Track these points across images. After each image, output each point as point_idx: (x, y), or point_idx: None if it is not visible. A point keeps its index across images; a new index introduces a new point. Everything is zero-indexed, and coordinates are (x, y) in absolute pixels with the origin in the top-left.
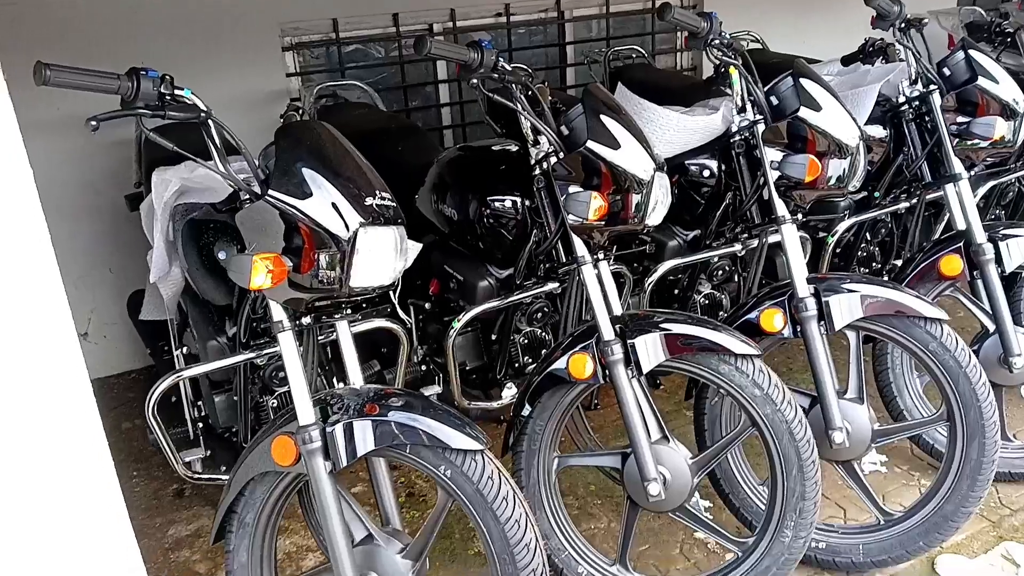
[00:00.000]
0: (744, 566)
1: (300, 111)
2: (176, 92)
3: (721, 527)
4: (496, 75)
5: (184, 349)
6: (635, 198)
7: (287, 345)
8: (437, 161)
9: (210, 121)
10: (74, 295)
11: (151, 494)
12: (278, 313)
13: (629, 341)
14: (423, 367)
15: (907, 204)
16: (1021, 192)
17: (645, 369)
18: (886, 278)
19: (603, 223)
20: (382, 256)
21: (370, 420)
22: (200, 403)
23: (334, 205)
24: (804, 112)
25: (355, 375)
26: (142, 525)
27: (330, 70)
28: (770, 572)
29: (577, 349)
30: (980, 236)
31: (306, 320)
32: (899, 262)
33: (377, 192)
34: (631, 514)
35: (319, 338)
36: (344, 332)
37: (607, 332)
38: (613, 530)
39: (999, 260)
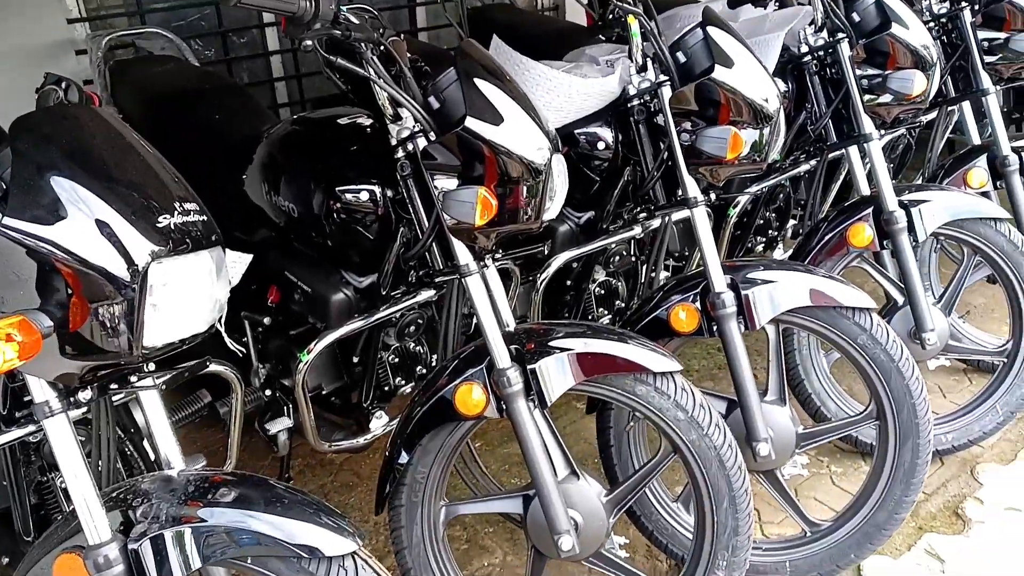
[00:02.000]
0: None
1: (65, 85)
2: None
3: (637, 570)
4: (338, 31)
5: None
6: (529, 189)
7: (58, 435)
8: (267, 138)
9: None
10: None
11: None
12: (41, 393)
13: (529, 367)
14: (267, 391)
15: (808, 167)
16: (910, 144)
17: (550, 400)
18: (781, 248)
19: (490, 225)
20: (190, 295)
21: (190, 528)
22: None
23: (106, 229)
24: (719, 71)
25: (170, 454)
26: None
27: (126, 14)
28: None
29: (463, 379)
30: (892, 203)
31: (85, 395)
32: (794, 226)
33: (178, 203)
34: (536, 566)
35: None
36: (151, 402)
37: (502, 358)
38: (511, 565)
39: (912, 228)
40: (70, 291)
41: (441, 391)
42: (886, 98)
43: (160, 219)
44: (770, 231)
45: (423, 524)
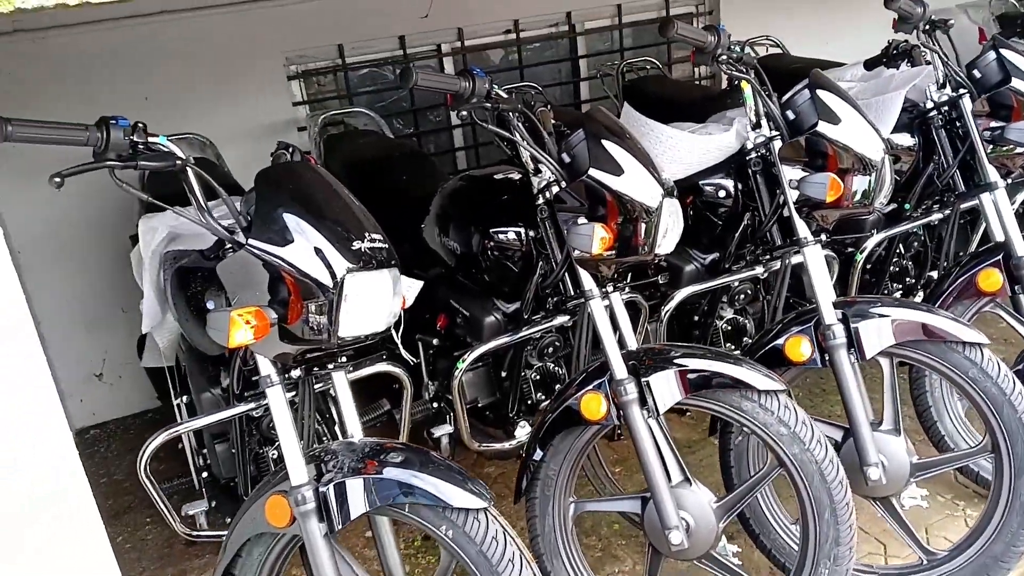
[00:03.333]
0: None
1: (291, 149)
2: (150, 140)
3: (750, 575)
4: (489, 104)
5: (184, 398)
6: (643, 226)
7: (276, 401)
8: (440, 191)
9: (188, 169)
10: (87, 336)
11: (163, 542)
12: (265, 368)
13: (643, 379)
14: (434, 404)
15: (940, 215)
16: None
17: (662, 409)
18: (921, 295)
19: (610, 254)
20: (373, 302)
21: (365, 478)
22: (204, 452)
23: (318, 251)
24: (823, 126)
25: (354, 428)
26: (153, 575)
27: (338, 96)
28: None
29: (590, 388)
30: (1020, 248)
31: (296, 373)
32: (934, 273)
33: (367, 234)
34: (654, 562)
35: (316, 387)
36: (341, 382)
37: (619, 370)
38: (639, 572)
39: None
40: (290, 294)
41: (569, 399)
42: (1011, 148)
43: (354, 244)
44: (908, 279)
45: (554, 516)
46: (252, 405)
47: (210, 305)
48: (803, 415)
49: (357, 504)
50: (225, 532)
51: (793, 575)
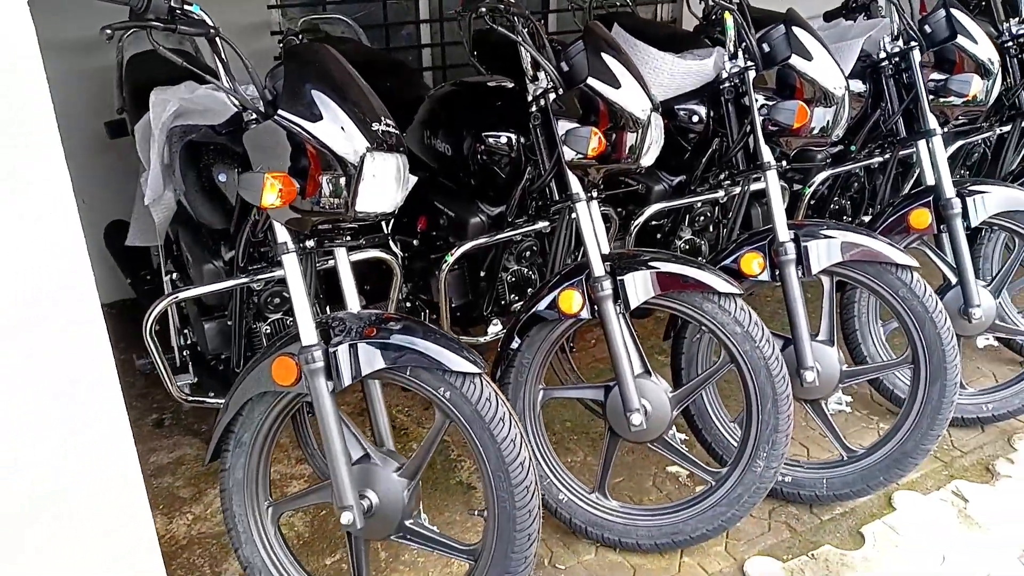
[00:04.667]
0: (717, 494)
1: (300, 36)
2: (186, 7)
3: (696, 458)
4: (502, 5)
5: (172, 275)
6: (631, 137)
7: (291, 267)
8: (430, 96)
9: (218, 39)
10: None
11: (131, 424)
12: (283, 235)
13: (619, 278)
14: (408, 303)
15: (881, 159)
16: (986, 153)
17: (633, 305)
18: None
19: (598, 161)
20: (386, 182)
21: (372, 342)
22: (187, 330)
23: (342, 128)
24: (795, 60)
25: (353, 301)
26: None
27: (311, 3)
28: (741, 500)
29: (567, 285)
30: (949, 191)
31: (309, 244)
32: (867, 218)
33: (381, 118)
34: (611, 444)
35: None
36: (343, 258)
37: (598, 268)
38: (589, 463)
39: (965, 215)
40: (311, 166)
41: (549, 294)
42: (951, 99)
43: (372, 126)
44: (846, 217)
45: (525, 400)
46: (254, 277)
47: (221, 178)
48: (755, 317)
49: (365, 365)
50: (213, 401)
51: (735, 457)
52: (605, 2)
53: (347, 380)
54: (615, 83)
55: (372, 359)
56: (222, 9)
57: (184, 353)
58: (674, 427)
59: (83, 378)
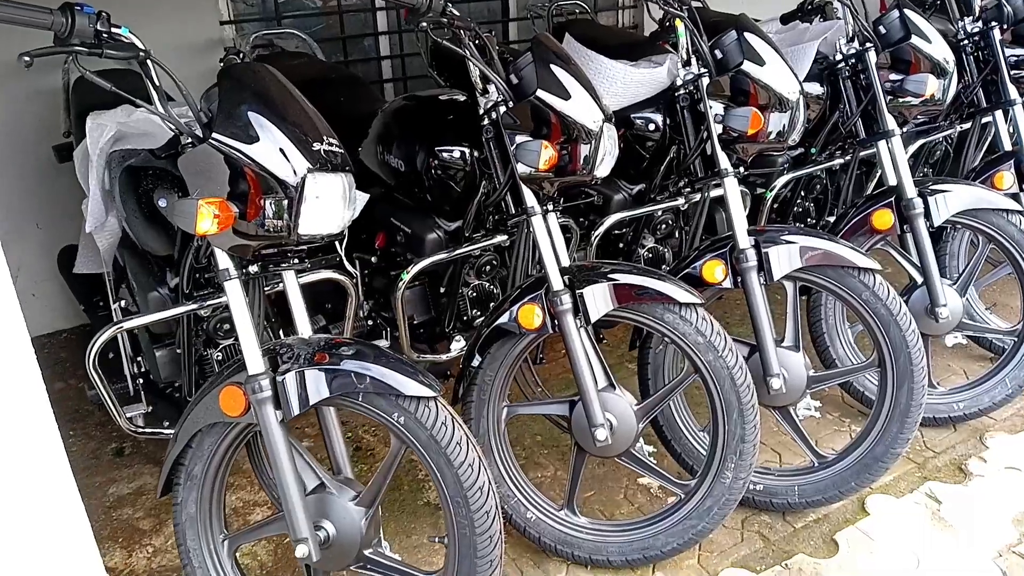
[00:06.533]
0: (687, 507)
1: (241, 55)
2: (113, 30)
3: (664, 471)
4: (445, 19)
5: (122, 303)
6: (584, 149)
7: (234, 293)
8: (382, 111)
9: (149, 62)
10: None
11: (89, 453)
12: (224, 261)
13: (577, 291)
14: (370, 322)
15: (842, 160)
16: (948, 151)
17: (593, 318)
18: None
19: (553, 174)
20: (330, 203)
21: (322, 369)
22: (140, 358)
23: (281, 150)
24: (747, 66)
25: (303, 325)
26: (82, 485)
27: (265, 19)
28: (712, 512)
29: (526, 300)
30: (911, 191)
31: (253, 269)
32: (832, 219)
33: (324, 138)
34: (578, 460)
35: (264, 289)
36: (291, 282)
37: (556, 282)
38: (560, 478)
39: (928, 214)
40: (251, 190)
41: (508, 310)
42: (908, 99)
43: (314, 146)
44: (808, 219)
45: (489, 418)
46: (202, 304)
47: (161, 203)
48: (718, 326)
49: (314, 393)
50: (167, 431)
51: (703, 469)
52: (565, 9)
53: (296, 409)
54: (565, 95)
55: (321, 386)
56: (173, 27)
57: (137, 381)
58: (642, 439)
59: (12, 413)
